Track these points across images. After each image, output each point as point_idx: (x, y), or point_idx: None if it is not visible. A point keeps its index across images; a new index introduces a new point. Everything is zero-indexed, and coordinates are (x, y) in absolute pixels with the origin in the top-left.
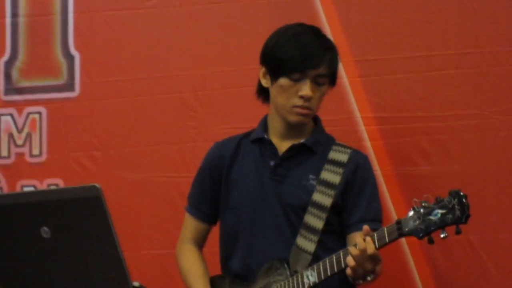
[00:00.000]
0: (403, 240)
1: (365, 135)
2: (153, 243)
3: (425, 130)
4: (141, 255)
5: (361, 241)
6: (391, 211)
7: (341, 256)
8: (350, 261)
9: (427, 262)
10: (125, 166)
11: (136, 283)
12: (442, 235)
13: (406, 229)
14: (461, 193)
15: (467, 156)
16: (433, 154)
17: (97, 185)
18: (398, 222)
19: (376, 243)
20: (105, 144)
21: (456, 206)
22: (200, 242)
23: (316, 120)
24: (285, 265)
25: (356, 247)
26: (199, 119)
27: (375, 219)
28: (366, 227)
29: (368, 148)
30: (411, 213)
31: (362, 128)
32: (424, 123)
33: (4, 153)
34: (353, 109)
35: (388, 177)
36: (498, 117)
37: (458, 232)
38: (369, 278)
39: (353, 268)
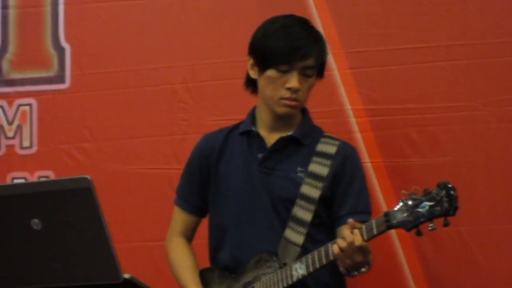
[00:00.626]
0: (393, 232)
1: (355, 127)
2: (144, 235)
3: (415, 122)
4: (131, 247)
5: (348, 234)
6: (381, 203)
7: (329, 249)
8: (335, 248)
9: (417, 254)
10: (116, 158)
11: (127, 275)
12: (430, 227)
13: (394, 221)
14: (449, 185)
15: (457, 147)
16: (423, 146)
17: (87, 177)
18: (387, 214)
19: (365, 235)
20: (96, 136)
21: (444, 198)
22: (189, 235)
23: (304, 112)
24: (274, 258)
25: (344, 240)
26: (190, 111)
27: (365, 211)
28: (350, 221)
29: (359, 140)
30: (399, 205)
31: (352, 120)
32: (414, 115)
33: None
34: (343, 101)
35: (378, 169)
36: (488, 109)
37: (446, 224)
38: (363, 270)
39: (340, 258)
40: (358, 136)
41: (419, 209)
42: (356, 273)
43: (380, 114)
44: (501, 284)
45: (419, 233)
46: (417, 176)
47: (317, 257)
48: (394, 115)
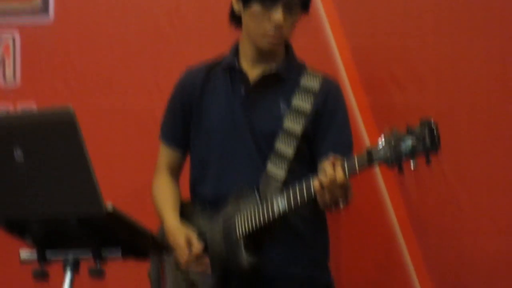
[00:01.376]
0: (377, 172)
1: (340, 65)
2: (127, 170)
3: (400, 60)
4: (115, 181)
5: (330, 169)
6: (365, 142)
7: (311, 183)
8: (316, 184)
9: (401, 193)
10: (99, 92)
11: (109, 205)
12: (412, 165)
13: (376, 157)
14: (432, 122)
15: (442, 87)
16: (407, 84)
17: (70, 107)
18: (369, 151)
19: (346, 171)
20: (79, 69)
21: (427, 135)
22: (175, 170)
23: (287, 47)
24: (255, 192)
25: (325, 175)
26: (174, 45)
27: (346, 145)
28: (331, 158)
29: (343, 77)
30: (381, 141)
31: (337, 58)
32: (399, 53)
33: None
34: (328, 38)
35: (362, 107)
36: (474, 46)
37: (428, 161)
38: (341, 204)
39: (319, 193)
40: (342, 74)
41: (402, 146)
42: (333, 208)
43: (365, 52)
44: (482, 221)
45: (400, 170)
46: (401, 115)
47: (298, 191)
48: (378, 53)
